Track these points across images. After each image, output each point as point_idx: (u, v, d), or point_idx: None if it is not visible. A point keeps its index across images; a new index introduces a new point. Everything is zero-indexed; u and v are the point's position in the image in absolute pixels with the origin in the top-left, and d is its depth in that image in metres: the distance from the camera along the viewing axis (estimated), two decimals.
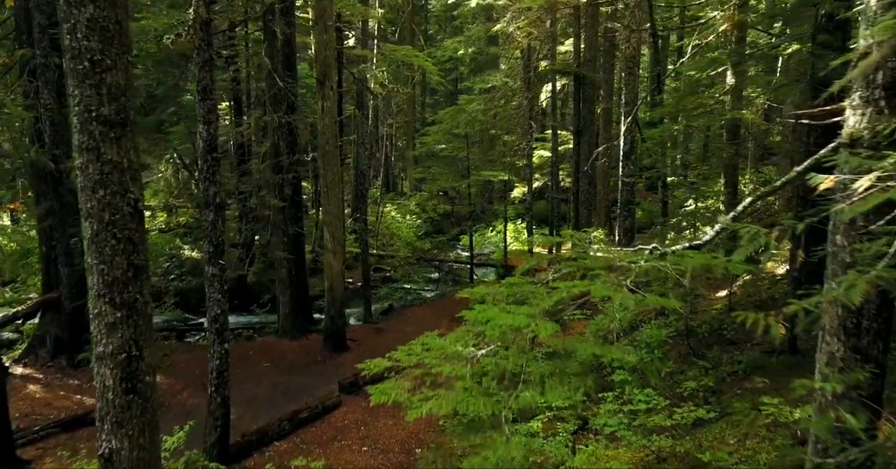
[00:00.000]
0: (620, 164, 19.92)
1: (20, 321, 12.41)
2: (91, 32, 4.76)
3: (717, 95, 11.16)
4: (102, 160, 4.90)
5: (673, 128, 12.63)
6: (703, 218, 12.35)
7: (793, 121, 8.06)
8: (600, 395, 7.38)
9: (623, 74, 23.96)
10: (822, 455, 3.82)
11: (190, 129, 15.80)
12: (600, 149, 18.22)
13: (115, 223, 4.96)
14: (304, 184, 21.45)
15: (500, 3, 20.42)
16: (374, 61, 19.08)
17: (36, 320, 12.08)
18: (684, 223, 11.60)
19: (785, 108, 14.45)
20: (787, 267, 10.25)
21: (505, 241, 19.04)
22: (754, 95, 13.09)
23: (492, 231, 25.16)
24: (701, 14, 17.00)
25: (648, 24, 17.36)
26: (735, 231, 3.61)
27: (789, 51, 11.62)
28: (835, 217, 3.73)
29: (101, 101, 4.83)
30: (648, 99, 23.07)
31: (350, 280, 18.28)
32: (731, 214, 3.53)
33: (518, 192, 23.79)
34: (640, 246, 3.39)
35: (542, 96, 22.87)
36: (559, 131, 20.99)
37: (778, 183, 3.60)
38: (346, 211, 20.54)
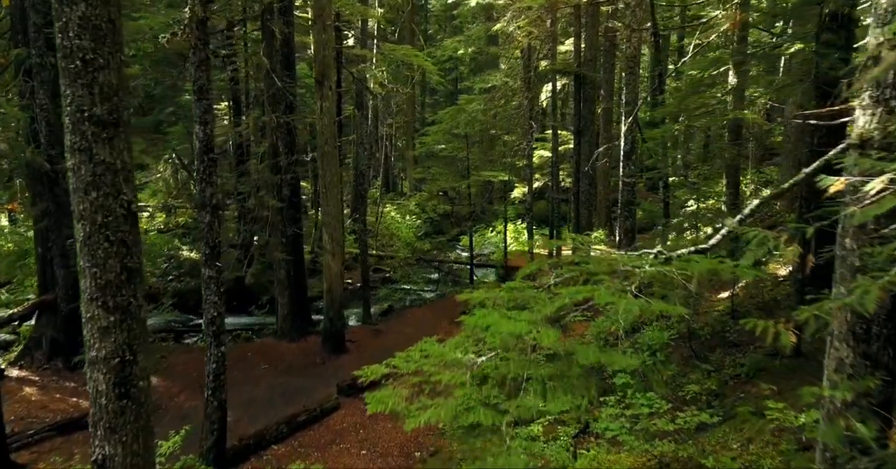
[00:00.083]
0: (621, 164, 19.82)
1: (16, 323, 12.31)
2: (83, 31, 4.67)
3: (719, 95, 11.06)
4: (95, 161, 4.80)
5: (674, 128, 12.53)
6: (704, 219, 12.26)
7: (798, 121, 7.96)
8: (602, 399, 7.29)
9: (623, 74, 23.88)
10: (831, 463, 3.73)
11: (188, 129, 15.70)
12: (601, 149, 18.13)
13: (107, 225, 4.87)
14: (303, 184, 21.37)
15: (500, 2, 20.32)
16: (374, 61, 18.98)
17: (32, 322, 11.98)
18: (686, 224, 11.50)
19: (787, 108, 14.35)
20: (790, 268, 10.16)
21: (505, 242, 18.96)
22: (756, 95, 13.00)
23: (492, 231, 25.06)
24: (702, 13, 16.92)
25: (649, 24, 17.27)
26: (737, 232, 3.52)
27: (791, 50, 11.54)
28: (844, 220, 3.64)
29: (94, 101, 4.74)
30: (649, 99, 23.00)
31: (349, 281, 18.18)
32: (738, 217, 3.43)
33: (518, 192, 23.70)
34: (644, 250, 3.30)
35: (543, 96, 22.78)
36: (559, 131, 20.90)
37: (786, 185, 3.51)
38: (345, 211, 20.46)
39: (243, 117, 16.44)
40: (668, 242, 12.77)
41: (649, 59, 30.07)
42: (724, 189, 12.44)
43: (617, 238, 21.05)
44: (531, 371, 3.01)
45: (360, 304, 16.04)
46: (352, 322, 15.76)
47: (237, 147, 17.04)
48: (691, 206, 14.98)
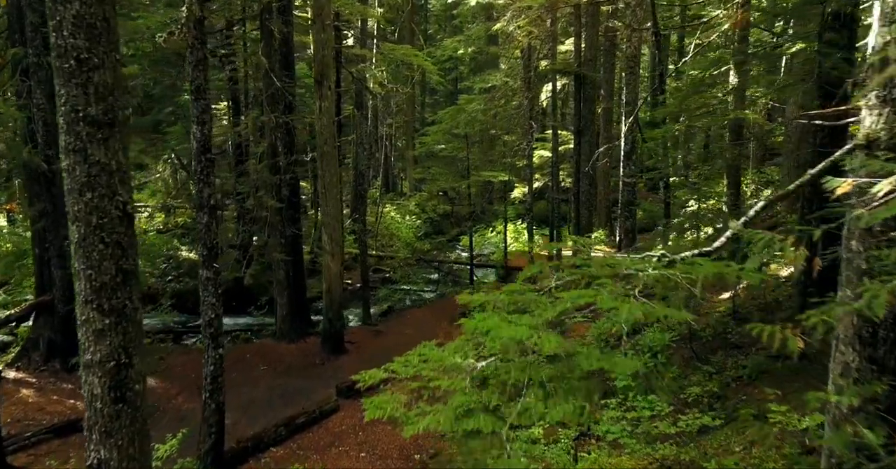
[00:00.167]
0: (621, 164, 19.77)
1: (14, 324, 12.25)
2: (77, 30, 4.61)
3: (720, 95, 11.00)
4: (90, 162, 4.75)
5: (674, 128, 12.47)
6: (705, 219, 12.19)
7: (803, 121, 7.90)
8: (603, 402, 7.23)
9: (624, 74, 23.82)
10: None
11: (187, 129, 15.60)
12: (601, 149, 18.07)
13: (102, 227, 4.81)
14: (303, 184, 21.30)
15: (499, 2, 20.26)
16: (374, 61, 18.92)
17: (30, 323, 11.92)
18: (686, 225, 11.44)
19: (787, 107, 14.29)
20: (792, 269, 10.10)
21: (505, 242, 18.91)
22: (757, 95, 12.94)
23: (492, 231, 25.00)
24: (703, 13, 16.85)
25: (649, 23, 17.20)
26: (742, 234, 3.46)
27: (793, 50, 11.47)
28: (850, 222, 3.58)
29: (88, 101, 4.68)
30: (649, 99, 22.95)
31: (349, 281, 18.12)
32: (742, 219, 3.37)
33: (518, 192, 23.65)
34: (647, 253, 3.24)
35: (543, 96, 22.72)
36: (560, 131, 20.84)
37: (791, 187, 3.44)
38: (345, 211, 20.40)
39: (242, 117, 16.38)
40: (669, 243, 12.70)
41: (649, 58, 30.05)
42: (726, 189, 12.37)
43: (617, 238, 21.00)
44: (532, 376, 2.95)
45: (359, 305, 15.98)
46: (351, 322, 15.70)
47: (236, 147, 16.99)
48: (692, 206, 14.92)
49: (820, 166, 3.45)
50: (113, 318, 4.94)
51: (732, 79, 12.01)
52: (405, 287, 19.47)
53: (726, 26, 9.56)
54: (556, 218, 19.06)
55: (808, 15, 9.40)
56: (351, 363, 12.38)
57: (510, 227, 21.79)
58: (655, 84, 13.18)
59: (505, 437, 2.93)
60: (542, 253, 19.39)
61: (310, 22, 13.57)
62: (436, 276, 20.85)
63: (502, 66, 25.68)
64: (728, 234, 3.30)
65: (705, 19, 12.43)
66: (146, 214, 22.19)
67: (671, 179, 13.01)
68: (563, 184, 22.44)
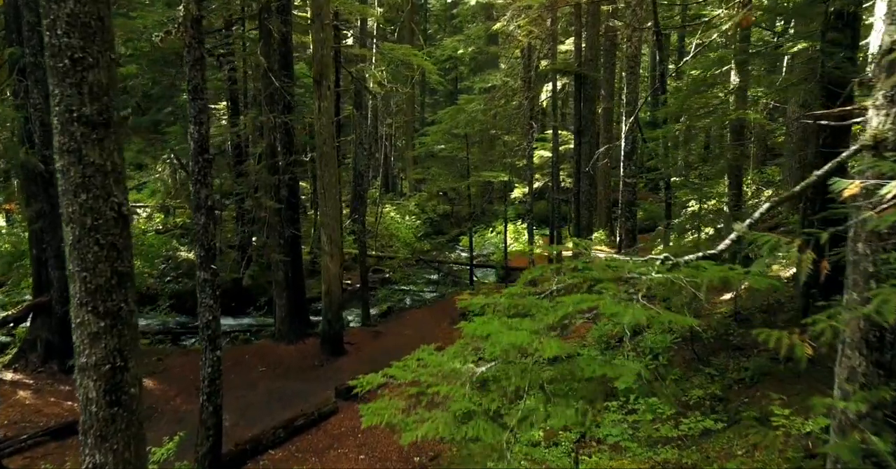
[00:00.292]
0: (622, 164, 19.69)
1: (11, 325, 12.18)
2: (72, 28, 4.54)
3: (721, 95, 10.93)
4: (84, 163, 4.68)
5: (675, 128, 12.39)
6: (706, 219, 12.12)
7: (808, 121, 7.82)
8: (604, 404, 7.16)
9: (624, 74, 23.75)
10: None
11: (186, 129, 15.52)
12: (602, 149, 18.01)
13: (97, 228, 4.75)
14: (302, 184, 21.23)
15: (499, 1, 20.19)
16: (373, 60, 18.84)
17: (28, 324, 11.85)
18: (688, 226, 11.37)
19: (788, 107, 14.21)
20: (794, 270, 10.03)
21: (505, 243, 18.84)
22: (758, 95, 12.87)
23: (492, 232, 24.94)
24: (703, 13, 16.78)
25: (650, 23, 17.13)
26: (747, 237, 3.39)
27: (794, 49, 11.40)
28: (857, 224, 3.51)
29: (83, 101, 4.61)
30: (649, 99, 22.88)
31: (348, 282, 18.05)
32: (747, 221, 3.30)
33: (518, 192, 23.59)
34: (650, 256, 3.17)
35: (543, 96, 22.65)
36: (560, 131, 20.76)
37: (797, 188, 3.38)
38: (344, 212, 20.33)
39: (241, 117, 16.32)
40: (671, 243, 12.63)
41: (649, 58, 29.98)
42: (727, 190, 12.30)
43: (618, 238, 20.93)
44: (533, 382, 2.89)
45: (359, 305, 15.92)
46: (351, 323, 15.64)
47: (235, 147, 16.92)
48: (692, 206, 14.84)
49: (826, 167, 3.38)
50: (108, 320, 4.87)
51: (734, 78, 11.93)
52: (405, 287, 19.41)
53: (727, 26, 9.49)
54: (556, 218, 18.99)
55: (810, 14, 9.33)
56: (350, 364, 12.32)
57: (510, 227, 21.72)
58: (656, 84, 13.12)
59: (505, 444, 2.87)
60: (542, 254, 19.33)
61: (309, 21, 13.50)
62: (435, 276, 20.79)
63: (502, 66, 25.62)
64: (733, 236, 3.24)
65: (706, 19, 12.36)
66: (145, 215, 22.13)
67: (672, 179, 12.93)
68: (563, 184, 22.37)
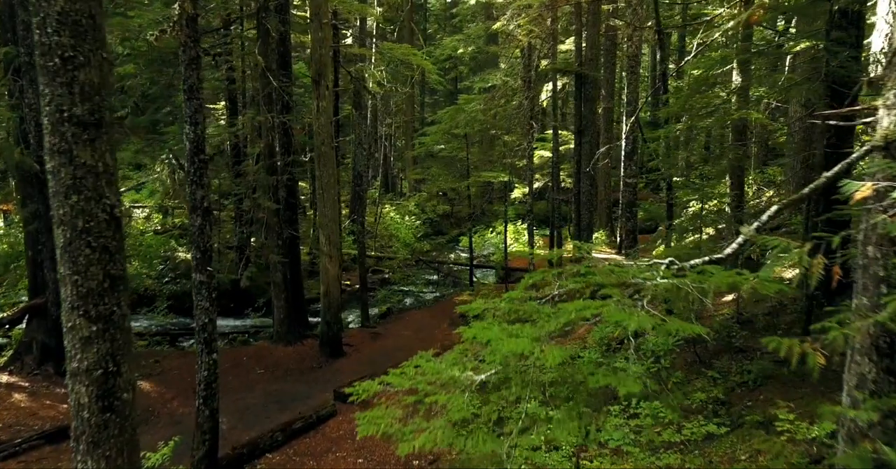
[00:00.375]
0: (622, 164, 19.62)
1: (7, 327, 12.09)
2: (62, 27, 4.45)
3: (723, 95, 10.83)
4: (75, 164, 4.59)
5: (676, 128, 12.28)
6: (707, 220, 12.01)
7: (816, 121, 7.73)
8: (606, 408, 7.07)
9: (624, 74, 23.66)
10: None
11: (183, 130, 15.45)
12: (602, 149, 17.91)
13: (89, 231, 4.66)
14: (302, 184, 21.13)
15: (499, 0, 20.09)
16: (373, 60, 18.75)
17: (23, 326, 11.75)
18: (689, 226, 11.27)
19: (790, 107, 14.10)
20: (797, 271, 9.91)
21: (505, 243, 18.75)
22: (760, 95, 12.77)
23: (492, 232, 24.84)
24: (705, 12, 16.68)
25: (650, 22, 17.02)
26: (755, 240, 3.30)
27: (797, 48, 11.29)
28: (867, 227, 3.42)
29: (74, 101, 4.52)
30: (650, 99, 22.77)
31: (348, 282, 17.96)
32: (755, 225, 3.21)
33: (518, 192, 23.49)
34: (655, 260, 3.08)
35: (543, 96, 22.56)
36: (560, 131, 20.67)
37: (806, 190, 3.29)
38: (343, 212, 20.23)
39: (239, 117, 16.22)
40: (672, 244, 12.54)
41: (649, 58, 29.89)
42: (729, 190, 12.20)
43: (618, 239, 20.85)
44: (534, 392, 2.79)
45: (358, 306, 15.83)
46: (350, 324, 15.55)
47: (233, 147, 16.83)
48: (693, 206, 14.73)
49: (836, 169, 3.29)
50: (100, 325, 4.79)
51: (736, 78, 11.82)
52: (404, 288, 19.32)
53: (732, 24, 9.38)
54: (556, 218, 18.90)
55: (813, 13, 9.23)
56: (349, 366, 12.23)
57: (510, 227, 21.62)
58: (657, 84, 13.03)
59: (505, 455, 2.77)
60: (543, 253, 19.22)
61: (307, 20, 13.41)
62: (435, 277, 20.70)
63: (502, 66, 25.50)
64: (740, 239, 3.14)
65: (708, 18, 12.26)
66: (144, 215, 22.03)
67: (674, 180, 12.83)
68: (563, 184, 22.29)
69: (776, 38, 12.57)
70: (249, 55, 14.53)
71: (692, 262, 3.03)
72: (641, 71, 24.55)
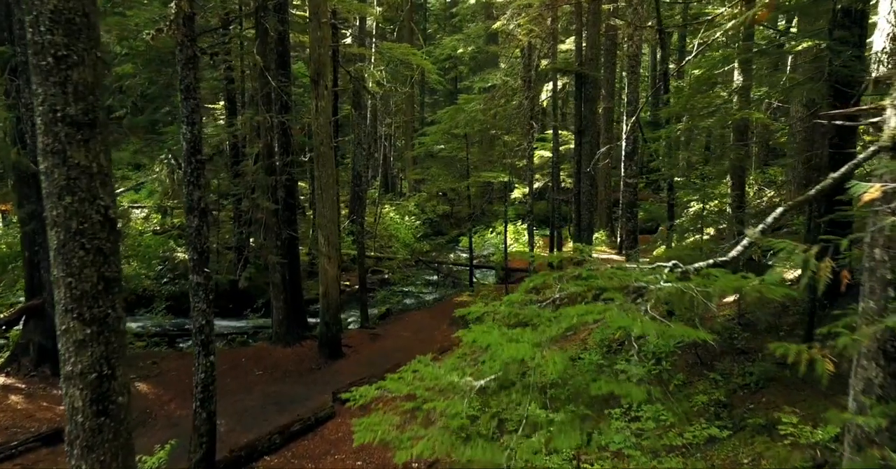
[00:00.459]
0: (623, 164, 19.55)
1: (4, 328, 12.02)
2: (55, 25, 4.38)
3: (724, 94, 10.77)
4: (69, 164, 4.52)
5: (677, 128, 12.22)
6: (708, 220, 11.95)
7: (817, 121, 7.67)
8: (607, 411, 7.00)
9: (624, 73, 23.59)
10: None
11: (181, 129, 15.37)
12: (602, 150, 17.83)
13: (83, 233, 4.59)
14: (301, 184, 21.07)
15: (499, 0, 20.02)
16: (372, 60, 18.68)
17: (21, 327, 11.68)
18: (691, 228, 11.20)
19: (791, 107, 14.04)
20: (799, 272, 9.85)
21: (505, 243, 18.68)
22: (762, 95, 12.71)
23: (492, 232, 24.77)
24: (706, 11, 16.61)
25: (650, 22, 16.94)
26: (760, 243, 3.24)
27: (799, 48, 11.23)
28: (875, 229, 3.35)
29: (67, 101, 4.45)
30: (650, 98, 22.71)
31: (347, 283, 17.89)
32: (760, 227, 3.14)
33: (518, 192, 23.43)
34: (658, 263, 3.01)
35: (543, 96, 22.48)
36: (560, 131, 20.60)
37: (812, 191, 3.22)
38: (343, 212, 20.16)
39: (238, 117, 16.17)
40: (673, 245, 12.47)
41: (649, 58, 29.83)
42: (730, 191, 12.14)
43: (619, 239, 20.78)
44: (534, 399, 2.73)
45: (357, 307, 15.76)
46: (350, 325, 15.49)
47: (233, 147, 16.77)
48: (694, 207, 14.67)
49: (842, 170, 3.22)
50: (94, 327, 4.73)
51: (737, 78, 11.76)
52: (404, 289, 19.25)
53: (738, 22, 9.29)
54: (556, 219, 18.83)
55: (815, 12, 9.16)
56: (348, 367, 12.17)
57: (510, 227, 21.56)
58: (658, 83, 12.97)
59: (505, 461, 2.71)
60: (543, 253, 19.14)
61: (307, 20, 13.34)
62: (435, 277, 20.63)
63: (502, 66, 25.43)
64: (745, 242, 3.08)
65: (709, 17, 12.19)
66: (142, 215, 21.97)
67: (675, 180, 12.77)
68: (563, 184, 22.21)
69: (777, 38, 12.50)
70: (248, 55, 14.47)
71: (696, 265, 2.97)
72: (642, 71, 24.48)
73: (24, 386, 10.25)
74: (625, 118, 21.51)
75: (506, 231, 19.12)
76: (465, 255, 21.37)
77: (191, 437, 7.55)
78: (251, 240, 16.13)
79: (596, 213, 20.37)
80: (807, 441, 5.47)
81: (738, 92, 10.46)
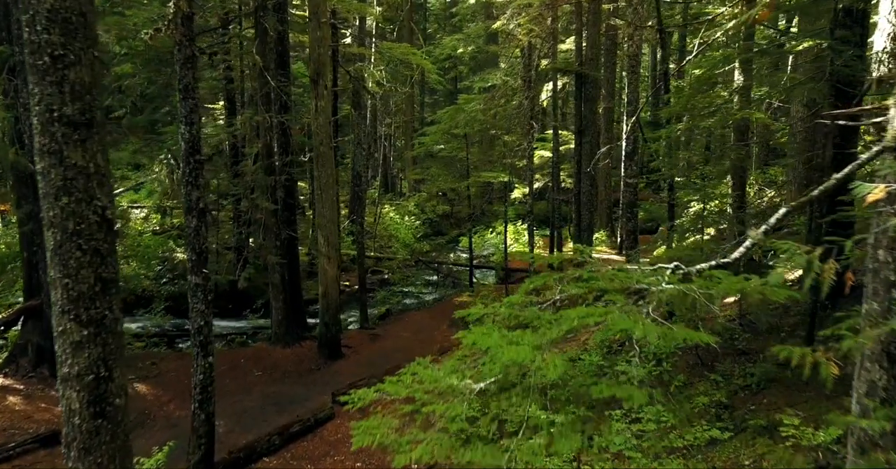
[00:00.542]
0: (623, 164, 19.53)
1: (2, 328, 11.99)
2: (52, 24, 4.36)
3: (725, 94, 10.74)
4: (66, 165, 4.49)
5: (677, 128, 12.20)
6: (709, 220, 11.91)
7: (820, 121, 7.63)
8: (607, 413, 6.97)
9: (624, 73, 23.56)
10: None
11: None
12: (603, 150, 17.80)
13: (80, 233, 4.56)
14: (301, 184, 21.03)
15: (499, 0, 19.99)
16: (372, 59, 18.64)
17: (19, 327, 11.65)
18: (691, 228, 11.16)
19: (792, 107, 14.00)
20: (800, 272, 9.82)
21: (505, 243, 18.66)
22: (763, 95, 12.68)
23: (491, 232, 24.74)
24: (706, 11, 16.58)
25: (651, 22, 16.91)
26: (763, 244, 3.21)
27: (800, 47, 11.19)
28: (878, 230, 3.32)
29: (64, 100, 4.42)
30: (651, 98, 22.68)
31: (347, 283, 17.86)
32: (763, 228, 3.11)
33: (518, 192, 23.40)
34: (660, 264, 2.98)
35: (543, 95, 22.45)
36: (560, 131, 20.57)
37: (815, 192, 3.19)
38: (343, 212, 20.13)
39: (238, 117, 16.13)
40: (673, 245, 12.44)
41: (649, 58, 29.80)
42: (731, 191, 12.12)
43: (619, 239, 20.75)
44: (534, 402, 2.69)
45: (357, 307, 15.73)
46: (350, 325, 15.45)
47: (232, 147, 16.73)
48: (694, 207, 14.64)
49: (846, 170, 3.19)
50: (91, 329, 4.70)
51: (738, 77, 11.73)
52: (404, 289, 19.22)
53: (731, 24, 9.28)
54: (556, 219, 18.80)
55: (816, 12, 9.14)
56: (348, 368, 12.13)
57: (510, 227, 21.52)
58: (657, 83, 12.95)
59: (505, 467, 2.68)
60: (543, 253, 19.11)
61: (306, 20, 13.31)
62: (435, 277, 20.59)
63: (502, 65, 25.39)
64: (748, 243, 3.04)
65: (710, 16, 12.17)
66: (142, 215, 21.93)
67: (675, 180, 12.74)
68: (563, 184, 22.18)
69: (778, 38, 12.48)
70: (247, 54, 14.43)
71: (698, 266, 2.93)
72: (642, 71, 24.44)
73: (22, 387, 10.22)
74: (625, 118, 21.48)
75: (506, 231, 19.09)
76: (464, 255, 21.34)
77: (189, 438, 7.52)
78: (251, 240, 16.10)
79: (596, 214, 20.34)
80: (809, 443, 5.43)
81: (738, 92, 10.43)
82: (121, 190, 23.77)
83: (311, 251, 18.20)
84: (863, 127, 8.43)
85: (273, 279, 13.10)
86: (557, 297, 3.36)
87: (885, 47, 7.82)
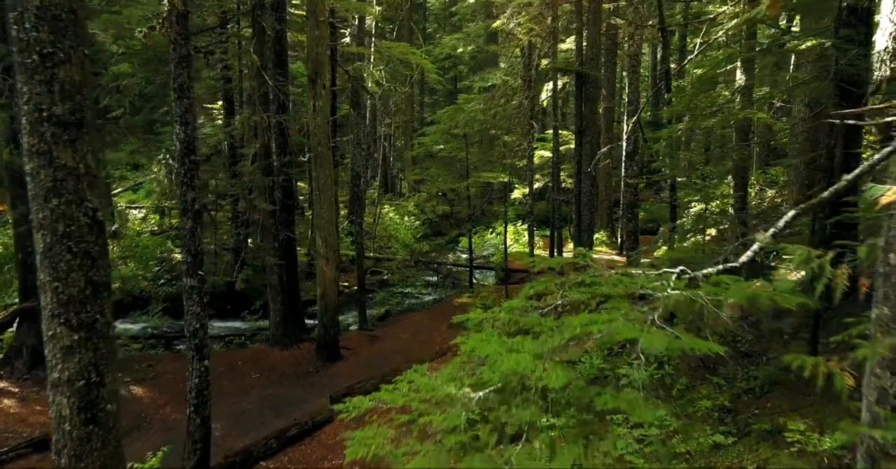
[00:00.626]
0: (623, 165, 19.42)
1: None
2: (41, 22, 4.26)
3: (727, 94, 10.64)
4: (55, 165, 4.40)
5: (678, 128, 12.11)
6: (710, 221, 11.82)
7: (827, 121, 7.53)
8: (608, 417, 6.87)
9: (625, 73, 23.45)
10: None
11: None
12: (603, 150, 17.70)
13: (70, 235, 4.46)
14: (300, 185, 20.93)
15: None
16: (371, 59, 18.54)
17: (14, 329, 11.54)
18: (693, 229, 11.07)
19: (794, 106, 13.90)
20: (802, 273, 9.72)
21: (505, 244, 18.57)
22: (764, 94, 12.59)
23: (491, 233, 24.64)
24: (707, 10, 16.49)
25: (651, 22, 16.80)
26: (770, 247, 3.11)
27: (803, 47, 11.10)
28: (889, 233, 3.22)
29: (53, 100, 4.33)
30: (651, 98, 22.58)
31: (346, 284, 17.76)
32: (771, 231, 3.01)
33: (518, 193, 23.30)
34: (665, 269, 2.88)
35: (543, 95, 22.35)
36: (560, 131, 20.46)
37: (826, 193, 3.09)
38: (342, 212, 20.03)
39: (236, 117, 16.02)
40: (674, 246, 12.34)
41: (649, 58, 29.70)
42: (732, 191, 12.02)
43: (619, 240, 20.66)
44: (535, 412, 2.59)
45: (356, 308, 15.62)
46: (349, 327, 15.35)
47: (230, 147, 16.63)
48: (695, 207, 14.54)
49: (857, 171, 3.09)
50: (82, 333, 4.60)
51: (739, 77, 11.63)
52: (403, 290, 19.11)
53: (733, 23, 9.19)
54: (556, 219, 18.70)
55: (819, 10, 9.04)
56: (346, 370, 12.03)
57: (510, 228, 21.42)
58: (658, 83, 12.85)
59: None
60: (543, 253, 19.01)
61: (305, 19, 13.21)
62: (434, 278, 20.49)
63: (502, 65, 25.29)
64: (755, 247, 2.94)
65: (711, 16, 12.07)
66: (140, 216, 21.83)
67: (677, 180, 12.63)
68: (564, 184, 22.07)
69: (780, 37, 12.38)
70: (245, 54, 14.32)
71: (705, 271, 2.83)
72: (642, 70, 24.36)
73: (16, 389, 10.12)
74: (625, 118, 21.38)
75: (506, 231, 18.99)
76: (464, 255, 21.24)
77: (185, 443, 7.42)
78: (249, 241, 16.00)
79: (596, 214, 20.25)
80: (814, 449, 5.34)
81: (740, 91, 10.33)
82: (119, 190, 23.66)
83: (310, 252, 18.09)
84: (865, 127, 8.34)
85: (271, 280, 13.00)
86: (559, 303, 3.26)
87: (886, 47, 7.73)
